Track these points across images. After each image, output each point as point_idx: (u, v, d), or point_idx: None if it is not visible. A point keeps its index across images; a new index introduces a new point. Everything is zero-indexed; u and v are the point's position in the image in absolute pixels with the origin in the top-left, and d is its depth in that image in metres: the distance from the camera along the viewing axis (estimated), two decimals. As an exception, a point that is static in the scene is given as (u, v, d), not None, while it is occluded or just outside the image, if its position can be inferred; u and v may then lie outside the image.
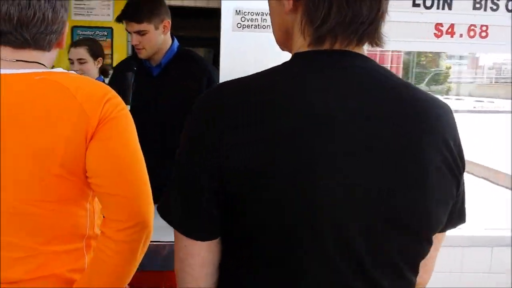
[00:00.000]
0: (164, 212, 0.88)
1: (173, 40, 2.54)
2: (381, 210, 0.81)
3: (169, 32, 2.50)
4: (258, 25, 2.20)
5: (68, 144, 1.09)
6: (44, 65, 1.19)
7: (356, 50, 0.87)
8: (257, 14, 2.19)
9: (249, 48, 2.21)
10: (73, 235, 1.19)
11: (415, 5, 2.33)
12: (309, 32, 0.86)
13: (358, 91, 0.84)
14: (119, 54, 4.39)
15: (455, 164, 0.87)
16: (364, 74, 0.86)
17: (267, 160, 0.78)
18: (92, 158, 1.11)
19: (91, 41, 3.31)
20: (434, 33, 2.34)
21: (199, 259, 0.87)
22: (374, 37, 0.88)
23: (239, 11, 2.21)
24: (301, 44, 0.88)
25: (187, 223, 0.86)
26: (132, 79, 2.39)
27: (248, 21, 2.21)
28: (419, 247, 0.89)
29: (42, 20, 1.14)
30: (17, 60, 1.15)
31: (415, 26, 2.33)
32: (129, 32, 2.45)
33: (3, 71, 1.12)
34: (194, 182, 0.82)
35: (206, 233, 0.85)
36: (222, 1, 2.24)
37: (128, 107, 2.39)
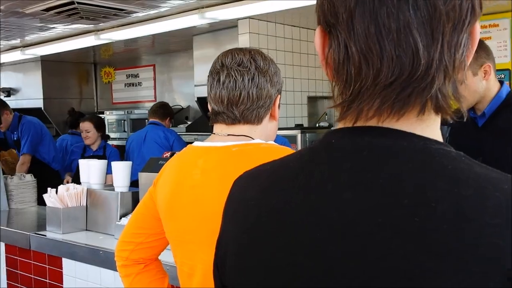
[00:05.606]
0: None
1: (502, 85, 2.29)
2: None
3: (494, 77, 2.26)
4: None
5: None
6: (251, 137, 1.33)
7: (399, 125, 0.61)
8: None
9: None
10: None
11: None
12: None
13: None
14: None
15: None
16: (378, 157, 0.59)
17: None
18: None
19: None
20: None
21: None
22: (431, 102, 0.61)
23: None
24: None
25: None
26: (447, 133, 2.37)
27: None
28: None
29: (248, 98, 1.31)
30: (228, 135, 1.33)
31: None
32: None
33: (211, 144, 1.33)
34: None
35: None
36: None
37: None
